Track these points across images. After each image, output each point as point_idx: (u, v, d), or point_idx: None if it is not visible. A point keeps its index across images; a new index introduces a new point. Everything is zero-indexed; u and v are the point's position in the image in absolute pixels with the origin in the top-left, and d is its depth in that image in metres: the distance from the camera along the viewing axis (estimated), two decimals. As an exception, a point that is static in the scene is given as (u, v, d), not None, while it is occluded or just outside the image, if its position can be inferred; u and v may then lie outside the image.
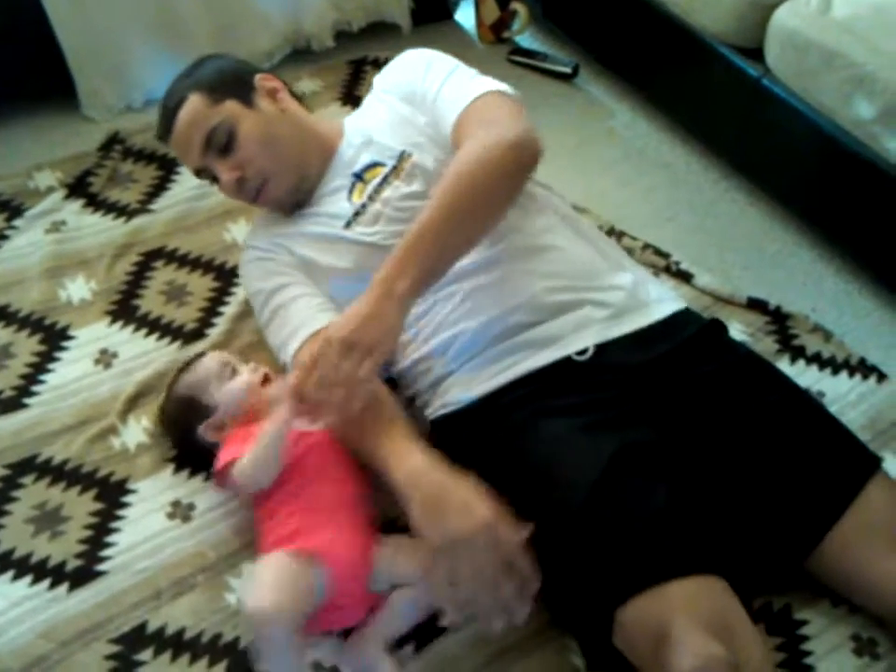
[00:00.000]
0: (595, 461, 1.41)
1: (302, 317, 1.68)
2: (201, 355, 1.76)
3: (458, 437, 1.59)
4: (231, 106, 1.70)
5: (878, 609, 1.49)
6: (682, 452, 1.49)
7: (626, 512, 1.37)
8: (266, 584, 1.40)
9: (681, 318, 1.67)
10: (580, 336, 1.58)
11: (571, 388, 1.54)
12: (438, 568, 1.31)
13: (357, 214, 1.71)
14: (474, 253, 1.60)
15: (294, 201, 1.78)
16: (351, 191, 1.75)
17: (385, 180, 1.72)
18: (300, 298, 1.71)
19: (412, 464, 1.39)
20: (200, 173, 1.75)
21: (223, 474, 1.58)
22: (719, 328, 1.69)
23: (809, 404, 1.62)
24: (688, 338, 1.62)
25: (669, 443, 1.48)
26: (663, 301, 1.69)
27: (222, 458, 1.57)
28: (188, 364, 1.73)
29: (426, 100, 1.74)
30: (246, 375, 1.66)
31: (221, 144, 1.69)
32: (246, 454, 1.51)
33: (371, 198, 1.72)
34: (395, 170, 1.72)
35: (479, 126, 1.58)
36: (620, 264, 1.73)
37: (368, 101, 1.89)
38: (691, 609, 1.27)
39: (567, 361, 1.56)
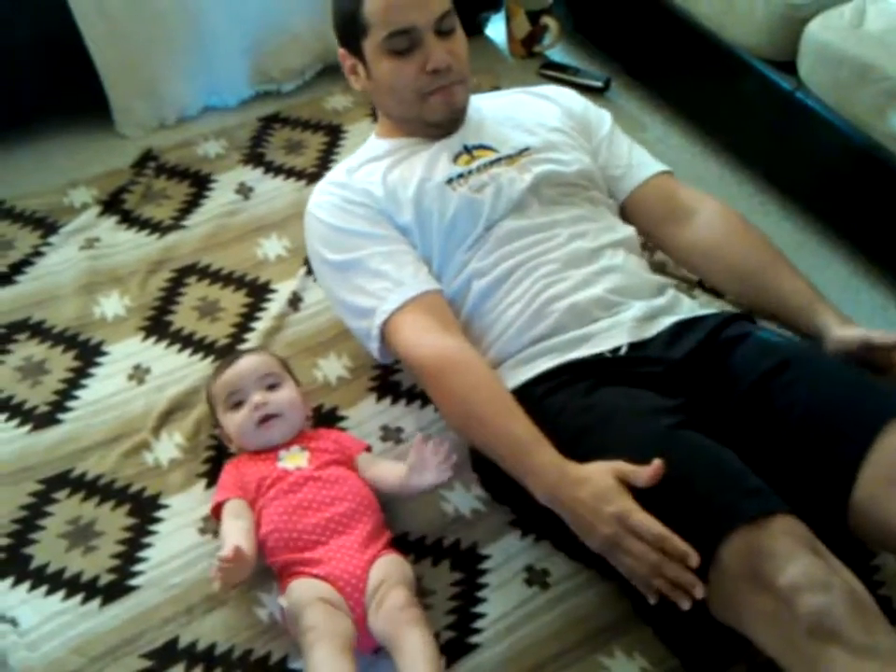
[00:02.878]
0: (657, 424, 1.42)
1: (402, 275, 1.66)
2: (249, 351, 1.83)
3: None
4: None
5: None
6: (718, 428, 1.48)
7: (707, 457, 1.38)
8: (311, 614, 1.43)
9: (712, 316, 1.69)
10: (613, 335, 1.61)
11: (613, 380, 1.54)
12: (614, 564, 1.33)
13: (461, 176, 1.75)
14: (536, 252, 1.68)
15: (458, 118, 1.81)
16: (456, 158, 1.78)
17: (496, 161, 1.78)
18: (393, 255, 1.69)
19: (544, 488, 1.40)
20: (403, 33, 1.68)
21: (215, 515, 1.63)
22: (744, 317, 1.73)
23: (827, 364, 1.58)
24: (717, 325, 1.63)
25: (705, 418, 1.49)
26: (696, 310, 1.71)
27: (214, 499, 1.64)
28: (230, 361, 1.75)
29: (612, 140, 1.92)
30: (244, 414, 1.67)
31: (446, 27, 1.72)
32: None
33: (479, 169, 1.76)
34: (509, 158, 1.79)
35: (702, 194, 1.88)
36: (665, 285, 1.75)
37: (518, 97, 2.00)
38: (792, 533, 1.26)
39: (602, 358, 1.58)
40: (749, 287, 1.77)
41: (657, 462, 1.30)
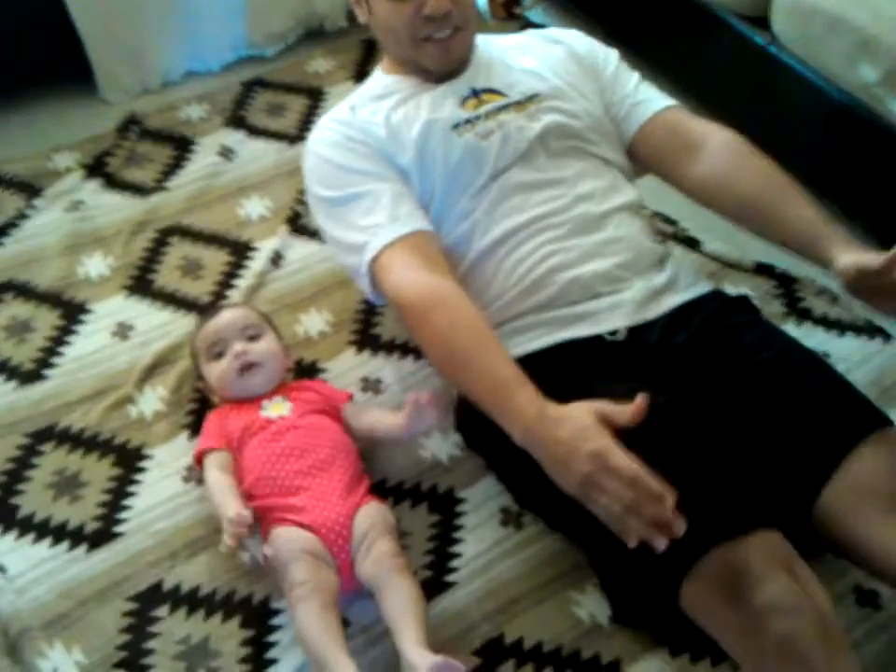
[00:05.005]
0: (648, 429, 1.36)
1: (397, 212, 1.62)
2: (230, 305, 1.88)
3: None
4: None
5: (879, 575, 1.46)
6: (704, 420, 1.49)
7: (694, 468, 1.38)
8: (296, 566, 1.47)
9: (710, 297, 1.69)
10: (612, 316, 1.59)
11: (606, 367, 1.54)
12: (590, 506, 1.28)
13: (468, 122, 1.70)
14: (541, 213, 1.65)
15: (456, 67, 1.75)
16: (464, 102, 1.73)
17: (504, 107, 1.72)
18: (390, 192, 1.64)
19: (522, 426, 1.35)
20: None
21: (198, 461, 1.67)
22: (742, 302, 1.73)
23: (818, 368, 1.60)
24: (713, 311, 1.63)
25: (692, 411, 1.50)
26: (694, 285, 1.70)
27: (198, 446, 1.68)
28: (212, 314, 1.79)
29: (618, 78, 1.84)
30: (225, 363, 1.70)
31: None
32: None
33: (486, 115, 1.71)
34: (518, 104, 1.73)
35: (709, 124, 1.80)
36: (665, 255, 1.74)
37: (526, 40, 1.92)
38: (771, 550, 1.30)
39: (599, 341, 1.57)
40: (757, 219, 1.69)
41: (640, 399, 1.26)
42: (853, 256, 1.49)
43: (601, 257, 1.63)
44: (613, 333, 1.58)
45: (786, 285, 2.05)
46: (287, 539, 1.50)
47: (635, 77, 1.87)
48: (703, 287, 1.70)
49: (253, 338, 1.74)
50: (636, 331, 1.58)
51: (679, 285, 1.67)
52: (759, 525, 1.32)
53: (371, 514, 1.56)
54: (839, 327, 1.97)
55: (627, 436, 1.27)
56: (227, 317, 1.76)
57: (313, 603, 1.42)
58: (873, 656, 1.47)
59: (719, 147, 1.75)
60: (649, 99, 1.82)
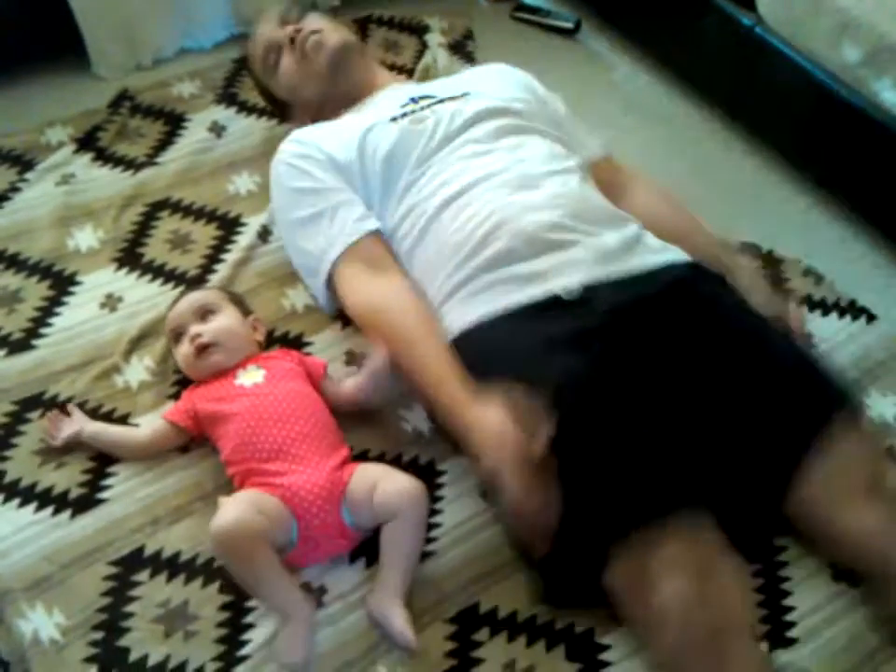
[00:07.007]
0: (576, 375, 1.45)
1: (343, 225, 1.79)
2: (195, 288, 1.91)
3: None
4: None
5: (851, 564, 1.50)
6: (662, 392, 1.50)
7: (612, 434, 1.41)
8: (229, 507, 1.50)
9: (677, 267, 1.69)
10: (567, 273, 1.61)
11: (561, 331, 1.54)
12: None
13: (404, 115, 1.89)
14: (481, 176, 1.74)
15: (340, 57, 2.04)
16: (403, 105, 1.93)
17: (438, 102, 1.91)
18: (340, 206, 1.82)
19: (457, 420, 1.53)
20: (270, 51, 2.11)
21: None
22: (710, 276, 1.71)
23: (787, 349, 1.63)
24: (674, 281, 1.63)
25: (649, 381, 1.50)
26: (663, 251, 1.71)
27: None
28: (175, 301, 1.86)
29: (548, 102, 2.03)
30: (185, 346, 1.75)
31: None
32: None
33: (422, 108, 1.90)
34: (451, 98, 1.92)
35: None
36: (626, 218, 1.76)
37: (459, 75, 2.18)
38: (678, 547, 1.32)
39: (556, 300, 1.59)
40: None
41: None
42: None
43: (545, 209, 1.68)
44: (570, 292, 1.59)
45: (771, 265, 2.07)
46: (243, 497, 1.54)
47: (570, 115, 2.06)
48: (670, 256, 1.70)
49: (208, 317, 1.78)
50: (591, 290, 1.59)
51: (646, 247, 1.70)
52: (680, 506, 1.35)
53: (370, 469, 1.61)
54: (823, 307, 1.99)
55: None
56: (183, 303, 1.82)
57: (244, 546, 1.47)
58: (847, 632, 1.50)
59: (641, 195, 1.95)
60: (588, 137, 2.02)
